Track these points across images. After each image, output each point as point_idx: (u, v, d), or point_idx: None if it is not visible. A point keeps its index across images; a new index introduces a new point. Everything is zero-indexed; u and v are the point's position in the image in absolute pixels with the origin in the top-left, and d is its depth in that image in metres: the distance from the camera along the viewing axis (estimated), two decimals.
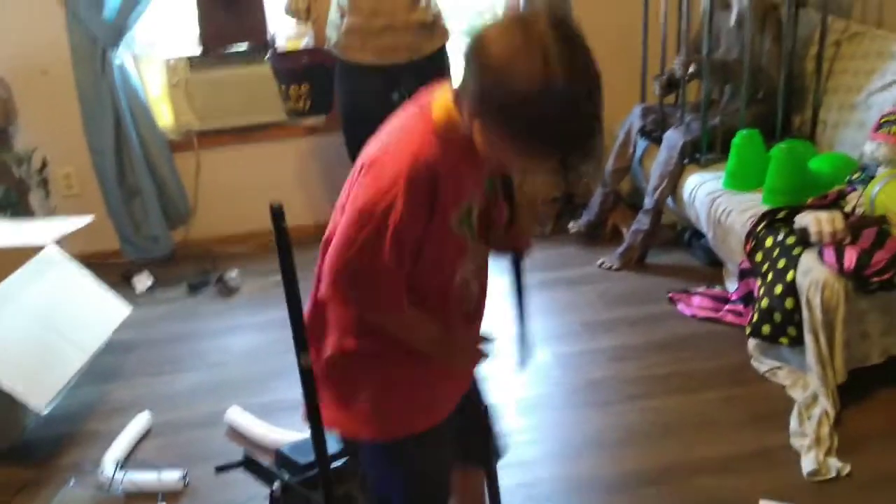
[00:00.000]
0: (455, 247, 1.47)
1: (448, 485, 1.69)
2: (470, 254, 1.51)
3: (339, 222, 1.39)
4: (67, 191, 4.03)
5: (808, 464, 2.28)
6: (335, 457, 1.97)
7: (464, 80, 1.28)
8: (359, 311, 1.46)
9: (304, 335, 1.28)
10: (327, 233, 1.43)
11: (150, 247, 4.02)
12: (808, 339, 2.52)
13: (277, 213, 1.17)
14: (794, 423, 2.46)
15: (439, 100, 1.38)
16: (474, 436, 1.78)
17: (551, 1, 3.74)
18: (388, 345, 1.48)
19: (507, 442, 1.85)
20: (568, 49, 1.21)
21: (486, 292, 1.65)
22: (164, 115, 4.04)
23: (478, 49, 1.24)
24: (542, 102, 1.21)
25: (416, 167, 1.32)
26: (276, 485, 2.18)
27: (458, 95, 1.31)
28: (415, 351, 1.49)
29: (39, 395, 2.54)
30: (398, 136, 1.39)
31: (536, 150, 1.29)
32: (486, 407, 1.76)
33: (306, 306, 1.52)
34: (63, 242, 3.07)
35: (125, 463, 2.55)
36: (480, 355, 1.61)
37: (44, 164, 3.96)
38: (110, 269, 3.85)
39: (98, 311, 3.05)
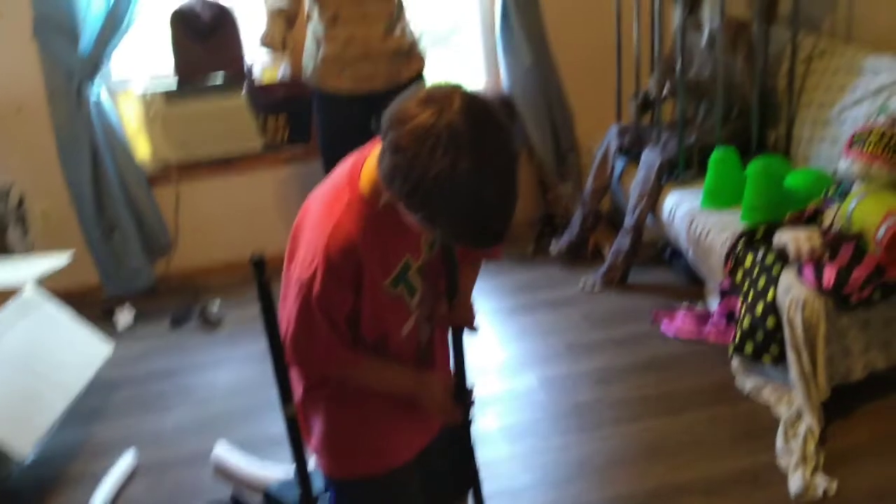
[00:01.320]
0: (394, 306, 1.48)
1: None
2: (413, 308, 1.52)
3: (287, 271, 1.42)
4: (45, 226, 4.00)
5: (794, 484, 2.29)
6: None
7: (381, 153, 1.27)
8: (315, 373, 1.49)
9: (288, 385, 1.28)
10: (284, 266, 1.45)
11: (132, 280, 3.99)
12: (790, 356, 2.54)
13: (258, 266, 1.17)
14: (779, 441, 2.47)
15: (370, 162, 1.37)
16: (450, 471, 1.79)
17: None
18: (335, 391, 1.51)
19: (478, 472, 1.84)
20: (478, 134, 1.20)
21: (445, 335, 1.65)
22: (142, 149, 4.02)
23: (394, 123, 1.23)
24: (445, 189, 1.20)
25: (334, 244, 1.33)
26: None
27: (377, 164, 1.30)
28: (366, 398, 1.51)
29: (22, 441, 2.51)
30: (326, 200, 1.40)
31: (443, 232, 1.29)
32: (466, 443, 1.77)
33: None
34: (42, 279, 3.04)
35: None
36: (457, 409, 1.62)
37: (21, 201, 3.93)
38: (91, 304, 3.82)
39: (80, 351, 3.02)
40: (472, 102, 1.22)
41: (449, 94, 1.22)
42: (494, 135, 1.23)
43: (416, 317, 1.53)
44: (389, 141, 1.23)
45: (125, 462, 2.70)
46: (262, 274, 1.17)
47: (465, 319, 1.58)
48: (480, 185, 1.21)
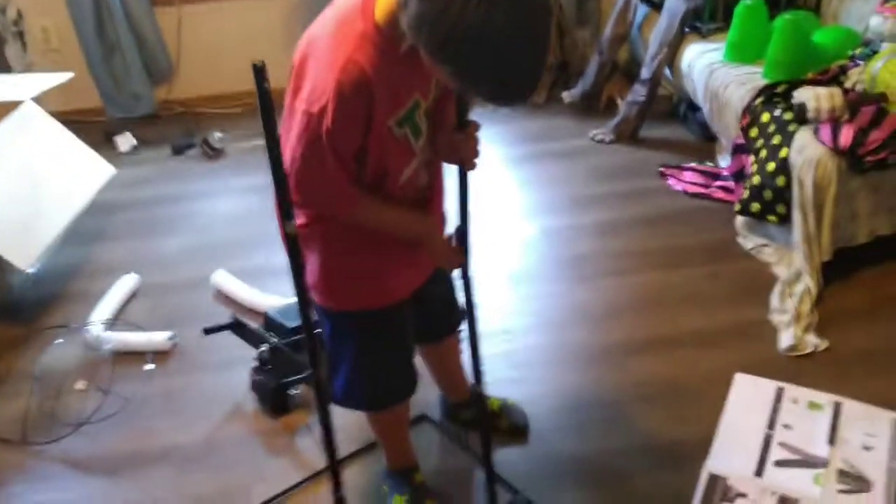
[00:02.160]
0: (399, 148, 1.43)
1: (398, 372, 1.72)
2: (417, 151, 1.47)
3: (290, 105, 1.36)
4: (45, 45, 3.89)
5: (785, 339, 2.32)
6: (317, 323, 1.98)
7: None
8: (320, 209, 1.45)
9: (289, 200, 1.25)
10: (287, 100, 1.39)
11: (133, 105, 3.92)
12: (796, 216, 2.51)
13: (259, 72, 1.11)
14: (774, 299, 2.49)
15: None
16: (436, 312, 1.81)
17: None
18: (331, 227, 1.49)
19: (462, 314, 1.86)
20: None
21: (441, 181, 1.62)
22: None
23: None
24: (477, 43, 1.12)
25: (346, 78, 1.26)
26: (264, 346, 2.21)
27: (400, 2, 1.19)
28: (361, 235, 1.49)
29: (24, 253, 2.53)
30: (335, 29, 1.31)
31: (468, 86, 1.22)
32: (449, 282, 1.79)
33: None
34: (42, 100, 2.97)
35: (113, 323, 2.57)
36: (456, 256, 1.61)
37: (19, 16, 3.79)
38: (91, 128, 3.76)
39: (81, 171, 3.00)
40: None
41: None
42: None
43: (417, 160, 1.49)
44: None
45: (126, 282, 2.73)
46: (262, 81, 1.11)
47: (472, 151, 1.53)
48: (515, 41, 1.13)
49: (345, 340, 1.64)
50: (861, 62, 2.68)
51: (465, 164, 1.52)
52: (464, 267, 1.64)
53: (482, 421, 1.91)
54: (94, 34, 3.73)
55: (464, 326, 2.35)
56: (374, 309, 1.60)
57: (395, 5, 1.22)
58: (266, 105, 1.14)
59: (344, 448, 1.91)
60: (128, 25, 3.74)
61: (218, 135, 3.67)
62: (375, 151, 1.39)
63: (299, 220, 1.48)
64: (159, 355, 2.44)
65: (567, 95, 3.83)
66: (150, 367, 2.39)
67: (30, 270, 2.59)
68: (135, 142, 3.77)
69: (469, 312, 1.71)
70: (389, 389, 1.73)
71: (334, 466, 1.60)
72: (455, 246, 1.61)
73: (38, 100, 2.94)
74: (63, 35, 3.83)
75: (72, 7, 3.70)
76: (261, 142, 1.21)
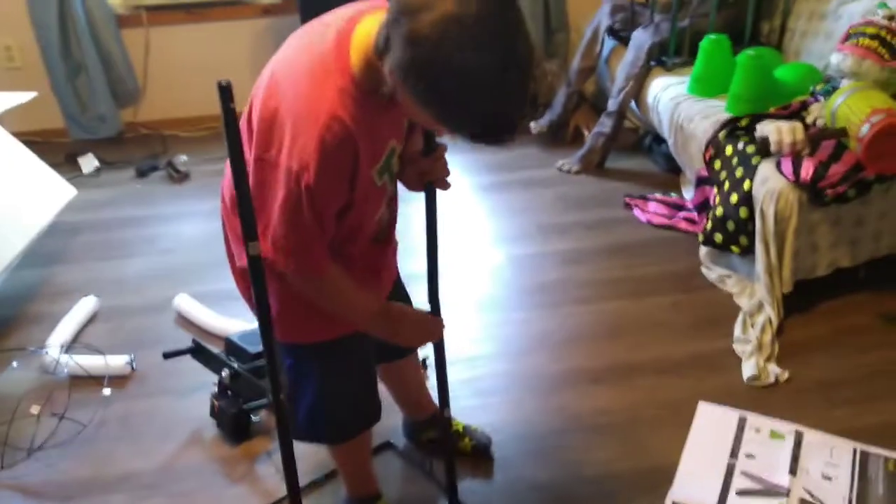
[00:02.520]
0: (377, 195, 1.43)
1: (361, 401, 1.70)
2: (389, 192, 1.48)
3: (259, 157, 1.30)
4: (9, 63, 3.84)
5: (748, 369, 2.34)
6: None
7: (386, 37, 1.16)
8: (293, 268, 1.40)
9: (253, 221, 1.24)
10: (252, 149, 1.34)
11: (97, 126, 3.88)
12: (758, 248, 2.54)
13: (225, 91, 1.11)
14: (738, 329, 2.51)
15: (359, 38, 1.25)
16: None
17: None
18: None
19: None
20: (505, 23, 1.12)
21: (396, 216, 1.62)
22: None
23: (409, 9, 1.12)
24: (468, 86, 1.12)
25: (330, 136, 1.23)
26: (225, 372, 2.18)
27: (378, 48, 1.18)
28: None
29: None
30: (309, 76, 1.26)
31: (455, 127, 1.21)
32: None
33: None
34: (3, 119, 2.93)
35: (71, 346, 2.51)
36: (434, 327, 1.62)
37: None
38: (54, 148, 3.73)
39: (41, 192, 2.95)
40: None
41: None
42: (519, 24, 1.15)
43: (385, 199, 1.49)
44: (406, 31, 1.11)
45: (85, 304, 2.68)
46: (228, 100, 1.11)
47: (444, 171, 1.53)
48: (507, 82, 1.14)
49: (306, 373, 1.61)
50: (822, 98, 2.74)
51: (440, 185, 1.53)
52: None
53: (446, 446, 1.89)
54: (60, 54, 3.70)
55: (429, 353, 2.35)
56: (334, 339, 1.57)
57: (372, 51, 1.21)
58: (231, 124, 1.13)
59: (305, 476, 1.89)
60: (94, 46, 3.71)
61: (183, 158, 3.64)
62: (360, 204, 1.38)
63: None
64: (118, 380, 2.39)
65: (534, 126, 3.87)
66: (107, 391, 2.34)
67: None
68: (98, 163, 3.72)
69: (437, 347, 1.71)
70: (353, 420, 1.70)
71: (295, 495, 1.57)
72: (428, 316, 1.62)
73: (0, 119, 2.90)
74: (27, 54, 3.79)
75: (37, 26, 3.67)
76: (224, 167, 1.20)
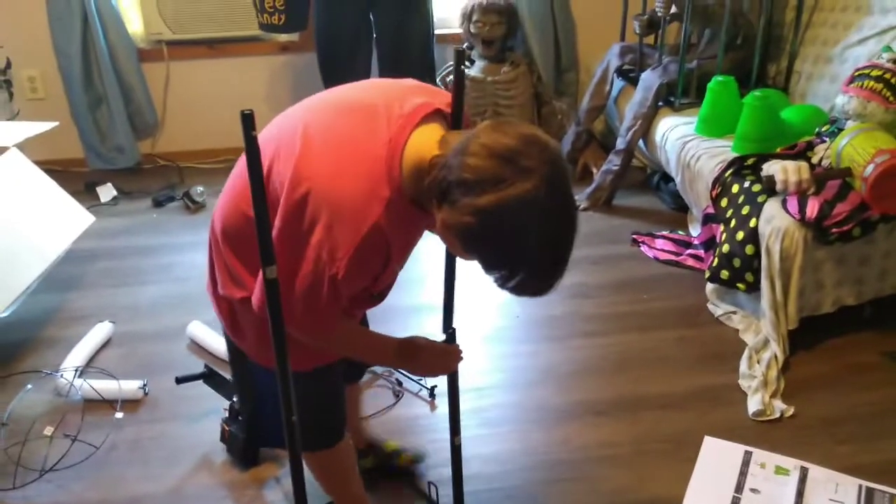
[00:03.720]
0: (392, 278, 1.49)
1: (337, 414, 1.73)
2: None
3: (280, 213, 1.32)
4: (32, 94, 3.93)
5: (753, 404, 2.36)
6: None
7: (446, 189, 1.20)
8: (308, 336, 1.43)
9: (271, 247, 1.28)
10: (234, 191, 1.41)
11: (116, 157, 3.96)
12: (764, 285, 2.57)
13: (247, 120, 1.16)
14: (743, 365, 2.53)
15: (412, 153, 1.28)
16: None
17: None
18: None
19: None
20: (564, 199, 1.21)
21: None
22: (134, 22, 3.93)
23: (474, 183, 1.16)
24: (526, 257, 1.20)
25: (367, 242, 1.26)
26: (236, 398, 2.21)
27: (435, 192, 1.22)
28: None
29: None
30: (357, 176, 1.27)
31: (500, 282, 1.27)
32: None
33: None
34: (25, 147, 3.00)
35: (85, 370, 2.55)
36: (450, 359, 1.65)
37: (7, 65, 3.85)
38: (73, 177, 3.80)
39: (60, 219, 3.01)
40: (557, 159, 1.20)
41: (537, 151, 1.18)
42: (571, 195, 1.24)
43: None
44: (470, 203, 1.16)
45: (100, 329, 2.72)
46: (250, 129, 1.15)
47: None
48: (563, 250, 1.24)
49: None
50: (827, 139, 2.79)
51: None
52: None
53: (455, 474, 1.91)
54: (81, 86, 3.79)
55: (437, 382, 2.38)
56: (311, 370, 1.58)
57: (427, 162, 1.25)
58: (252, 153, 1.18)
59: (314, 500, 1.91)
60: (115, 79, 3.80)
61: (199, 189, 3.71)
62: (377, 287, 1.44)
63: (241, 292, 1.49)
64: (130, 404, 2.43)
65: None
66: (119, 415, 2.38)
67: (3, 315, 2.58)
68: (116, 193, 3.80)
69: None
70: (333, 426, 1.73)
71: None
72: (445, 346, 1.64)
73: (22, 147, 2.97)
74: (50, 85, 3.89)
75: (61, 58, 3.76)
76: None
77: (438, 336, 1.69)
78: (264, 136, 1.43)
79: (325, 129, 1.34)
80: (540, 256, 1.23)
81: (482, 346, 2.71)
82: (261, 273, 1.35)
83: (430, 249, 1.66)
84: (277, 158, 1.36)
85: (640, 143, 3.58)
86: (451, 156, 1.21)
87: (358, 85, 1.47)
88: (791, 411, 2.35)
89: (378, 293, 1.56)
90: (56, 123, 3.10)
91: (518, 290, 1.28)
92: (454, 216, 1.20)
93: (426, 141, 1.27)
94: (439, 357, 1.63)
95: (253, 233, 1.35)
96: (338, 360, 1.66)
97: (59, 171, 3.75)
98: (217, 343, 2.64)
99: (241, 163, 1.45)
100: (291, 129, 1.37)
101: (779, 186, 2.58)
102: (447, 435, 1.83)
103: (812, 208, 2.48)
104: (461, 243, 1.24)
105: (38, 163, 3.11)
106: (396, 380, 2.52)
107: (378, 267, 1.34)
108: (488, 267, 1.27)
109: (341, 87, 1.48)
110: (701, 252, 3.06)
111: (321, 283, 1.31)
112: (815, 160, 2.74)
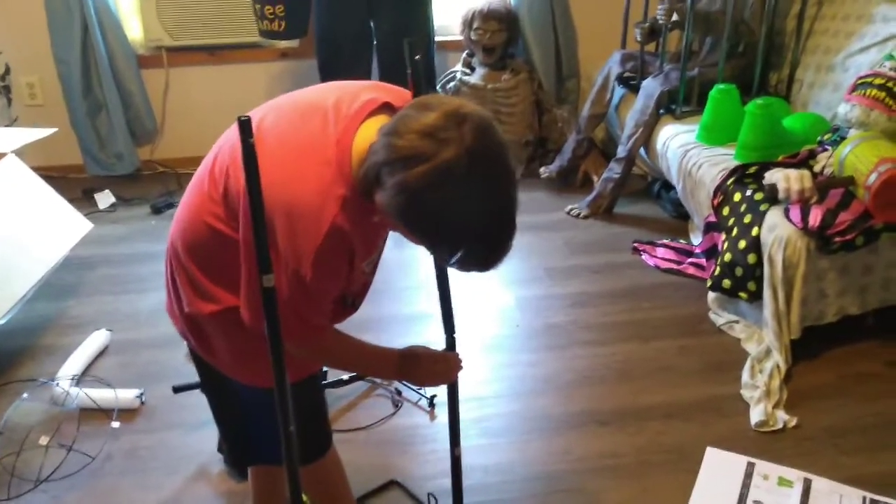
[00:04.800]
0: (362, 280, 1.49)
1: (325, 421, 1.72)
2: (371, 274, 1.53)
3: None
4: (31, 100, 3.92)
5: (756, 414, 2.34)
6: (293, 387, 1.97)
7: (377, 174, 1.21)
8: (303, 344, 1.41)
9: (267, 255, 1.26)
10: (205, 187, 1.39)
11: (114, 163, 3.94)
12: (766, 294, 2.55)
13: (245, 127, 1.14)
14: (745, 375, 2.51)
15: (360, 145, 1.28)
16: None
17: None
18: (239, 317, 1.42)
19: None
20: (493, 166, 1.19)
21: (369, 286, 1.63)
22: (134, 29, 3.92)
23: (398, 161, 1.18)
24: (462, 228, 1.20)
25: (328, 242, 1.26)
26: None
27: (368, 180, 1.24)
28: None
29: None
30: (308, 176, 1.27)
31: (447, 258, 1.28)
32: None
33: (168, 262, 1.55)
34: (23, 154, 2.99)
35: (81, 378, 2.53)
36: (451, 367, 1.62)
37: (6, 71, 3.84)
38: (71, 184, 3.79)
39: (57, 226, 2.99)
40: (480, 129, 1.19)
41: (456, 124, 1.17)
42: (507, 161, 1.22)
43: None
44: (396, 181, 1.18)
45: (97, 337, 2.70)
46: (248, 136, 1.14)
47: None
48: (498, 220, 1.22)
49: (265, 415, 1.54)
50: (829, 147, 2.77)
51: None
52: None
53: (455, 485, 1.89)
54: (80, 92, 3.78)
55: (437, 391, 2.36)
56: (295, 382, 1.52)
57: (369, 165, 1.24)
58: (250, 158, 1.16)
59: None
60: (115, 85, 3.79)
61: None
62: (349, 288, 1.44)
63: (210, 306, 1.45)
64: (127, 413, 2.41)
65: (544, 171, 3.91)
66: (116, 424, 2.35)
67: (0, 322, 2.56)
68: (114, 200, 3.78)
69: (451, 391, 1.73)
70: (323, 434, 1.71)
71: None
72: (444, 353, 1.62)
73: (20, 154, 2.96)
74: (48, 91, 3.87)
75: (60, 64, 3.75)
76: None
77: (438, 344, 1.67)
78: (227, 134, 1.45)
79: (278, 133, 1.34)
80: (474, 228, 1.22)
81: (482, 355, 2.69)
82: (243, 286, 1.34)
83: (425, 257, 1.64)
84: (233, 168, 1.36)
85: (642, 151, 3.56)
86: (378, 139, 1.23)
87: (315, 87, 1.48)
88: (794, 422, 2.33)
89: (352, 300, 1.55)
90: (55, 129, 3.08)
91: (462, 266, 1.28)
92: (386, 197, 1.21)
93: (371, 135, 1.27)
94: (440, 364, 1.61)
95: (218, 244, 1.36)
96: (319, 368, 1.65)
97: (58, 177, 3.73)
98: None
99: (199, 175, 1.45)
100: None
101: (781, 195, 2.56)
102: (447, 445, 1.81)
103: (815, 217, 2.46)
104: (401, 224, 1.24)
105: (36, 169, 3.09)
106: (396, 389, 2.50)
107: (344, 266, 1.33)
108: (429, 244, 1.27)
109: (299, 90, 1.48)
110: (702, 261, 3.04)
111: (297, 289, 1.30)
112: (817, 169, 2.73)
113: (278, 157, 1.30)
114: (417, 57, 1.40)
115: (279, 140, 1.33)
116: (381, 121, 1.30)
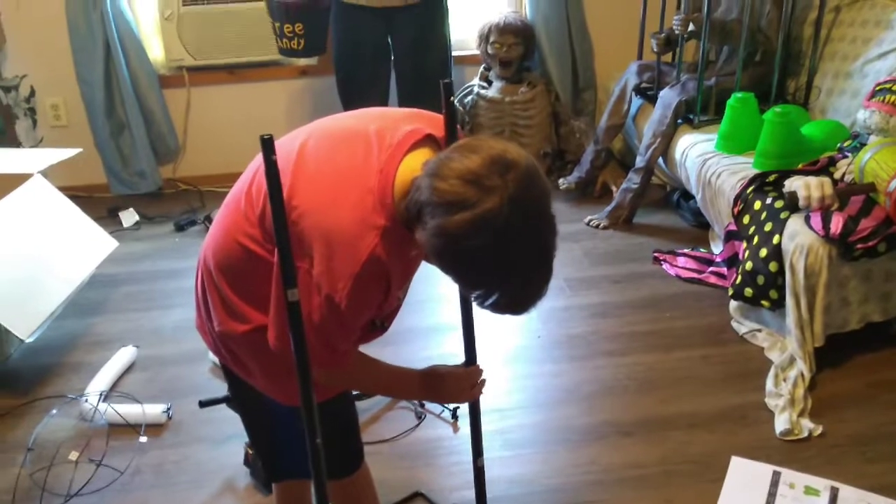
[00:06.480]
0: (395, 306, 1.49)
1: (356, 437, 1.72)
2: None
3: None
4: (55, 121, 3.99)
5: (781, 423, 2.33)
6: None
7: (418, 212, 1.21)
8: (330, 367, 1.42)
9: (293, 268, 1.28)
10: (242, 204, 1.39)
11: (138, 182, 3.99)
12: (789, 302, 2.55)
13: (267, 145, 1.16)
14: (769, 383, 2.50)
15: (403, 179, 1.27)
16: None
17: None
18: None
19: None
20: (536, 216, 1.20)
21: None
22: (156, 50, 3.98)
23: (440, 206, 1.17)
24: (500, 276, 1.21)
25: (366, 271, 1.25)
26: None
27: (410, 215, 1.24)
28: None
29: (24, 323, 2.54)
30: (351, 205, 1.26)
31: (482, 301, 1.27)
32: None
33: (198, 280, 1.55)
34: (49, 174, 3.04)
35: (109, 394, 2.57)
36: (473, 383, 1.63)
37: (31, 93, 3.91)
38: (96, 203, 3.84)
39: (83, 244, 3.04)
40: (524, 178, 1.18)
41: (500, 171, 1.17)
42: (548, 210, 1.23)
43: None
44: (437, 224, 1.17)
45: (124, 354, 2.74)
46: (270, 153, 1.16)
47: None
48: (535, 268, 1.23)
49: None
50: (849, 154, 2.77)
51: None
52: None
53: (478, 497, 1.89)
54: (104, 113, 3.84)
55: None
56: (325, 401, 1.53)
57: (412, 195, 1.23)
58: (273, 176, 1.19)
59: None
60: (137, 105, 3.85)
61: None
62: (381, 314, 1.44)
63: (242, 326, 1.45)
64: (154, 428, 2.44)
65: (563, 182, 3.92)
66: (143, 439, 2.38)
67: (28, 340, 2.60)
68: (138, 218, 3.83)
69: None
70: (354, 451, 1.72)
71: None
72: (466, 369, 1.62)
73: (46, 174, 3.01)
74: (73, 112, 3.94)
75: (83, 86, 3.81)
76: None
77: (458, 358, 1.68)
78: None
79: (320, 158, 1.34)
80: (511, 275, 1.23)
81: (504, 366, 2.70)
82: (273, 309, 1.35)
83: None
84: (261, 174, 1.36)
85: (660, 160, 3.57)
86: (422, 177, 1.22)
87: (355, 113, 1.47)
88: (819, 430, 2.32)
89: (381, 322, 1.55)
90: (79, 150, 3.13)
91: (496, 309, 1.29)
92: (425, 237, 1.21)
93: (415, 167, 1.27)
94: (463, 381, 1.62)
95: (251, 265, 1.36)
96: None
97: (83, 196, 3.79)
98: None
99: (234, 195, 1.45)
100: (286, 154, 1.36)
101: (802, 203, 2.56)
102: (470, 457, 1.81)
103: (836, 224, 2.45)
104: (437, 263, 1.25)
105: (62, 189, 3.15)
106: (419, 401, 2.51)
107: (380, 295, 1.34)
108: (464, 286, 1.29)
109: (339, 115, 1.48)
110: (723, 269, 3.04)
111: (329, 315, 1.30)
112: (837, 176, 2.72)
113: (319, 183, 1.30)
114: (453, 99, 1.39)
115: (321, 165, 1.32)
116: (424, 154, 1.30)
